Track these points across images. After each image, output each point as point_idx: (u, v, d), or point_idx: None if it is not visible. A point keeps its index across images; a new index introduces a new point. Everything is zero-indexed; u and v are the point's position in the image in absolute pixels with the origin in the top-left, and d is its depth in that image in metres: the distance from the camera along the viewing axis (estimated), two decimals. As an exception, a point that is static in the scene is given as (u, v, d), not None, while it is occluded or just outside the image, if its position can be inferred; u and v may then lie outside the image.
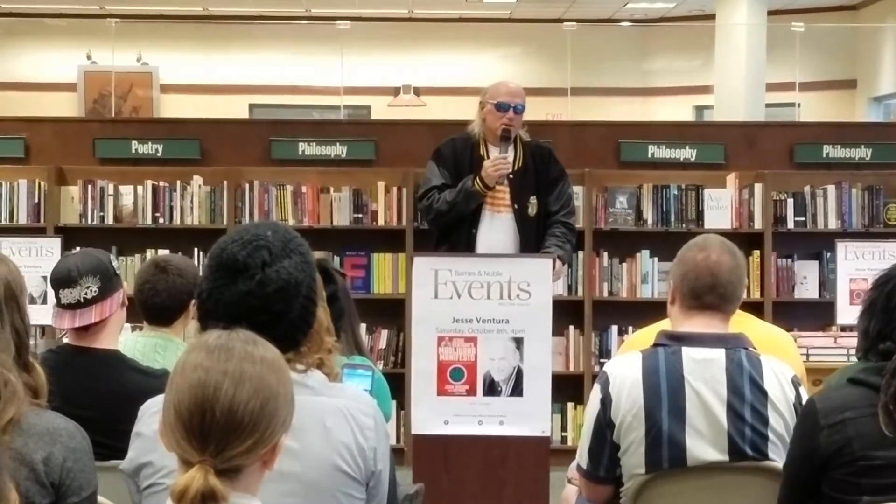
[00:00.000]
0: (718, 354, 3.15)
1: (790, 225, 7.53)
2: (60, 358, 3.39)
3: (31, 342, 2.64)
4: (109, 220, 7.50)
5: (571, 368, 7.47)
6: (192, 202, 7.52)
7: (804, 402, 3.02)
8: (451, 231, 5.97)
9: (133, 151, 7.81)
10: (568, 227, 6.04)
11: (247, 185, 7.53)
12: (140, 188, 7.51)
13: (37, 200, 7.52)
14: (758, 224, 7.50)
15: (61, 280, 3.46)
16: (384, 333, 7.46)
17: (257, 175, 7.59)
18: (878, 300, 2.90)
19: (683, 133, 8.28)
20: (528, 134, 6.16)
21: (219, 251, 2.37)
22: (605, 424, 3.17)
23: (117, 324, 3.55)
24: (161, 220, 7.51)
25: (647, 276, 7.50)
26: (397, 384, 6.19)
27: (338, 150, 7.83)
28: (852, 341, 6.05)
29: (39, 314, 4.85)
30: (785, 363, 3.25)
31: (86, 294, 3.42)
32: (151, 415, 2.31)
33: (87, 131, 8.05)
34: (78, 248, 4.35)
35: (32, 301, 5.52)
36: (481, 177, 5.85)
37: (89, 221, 7.48)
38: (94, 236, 7.15)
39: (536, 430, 4.23)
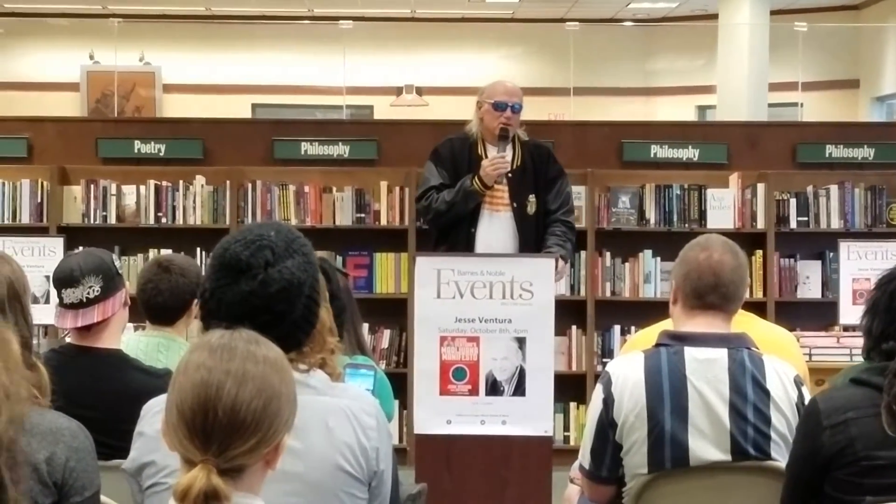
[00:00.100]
0: (721, 354, 3.15)
1: (793, 225, 7.53)
2: (63, 358, 3.39)
3: (34, 342, 2.64)
4: (112, 220, 7.50)
5: (574, 368, 7.47)
6: (194, 202, 7.52)
7: (807, 401, 3.02)
8: (449, 230, 5.97)
9: (136, 151, 7.82)
10: (568, 226, 6.04)
11: (249, 185, 7.53)
12: (143, 188, 7.51)
13: (39, 200, 7.52)
14: (760, 224, 7.50)
15: (64, 280, 3.46)
16: (386, 333, 7.46)
17: (260, 175, 7.59)
18: (881, 300, 2.90)
19: (686, 133, 8.28)
20: (528, 133, 6.17)
21: (222, 251, 2.37)
22: (607, 424, 3.17)
23: (120, 323, 3.55)
24: (164, 220, 7.52)
25: (649, 276, 7.50)
26: (400, 384, 6.20)
27: (340, 149, 7.83)
28: (855, 341, 6.09)
29: (42, 314, 4.86)
30: (787, 363, 3.25)
31: (88, 294, 3.42)
32: (154, 414, 2.31)
33: (90, 131, 8.05)
34: (80, 248, 4.36)
35: (35, 301, 5.53)
36: (480, 176, 5.85)
37: (92, 221, 7.49)
38: (97, 236, 7.15)
39: (539, 429, 4.23)
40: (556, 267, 5.32)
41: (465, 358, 4.21)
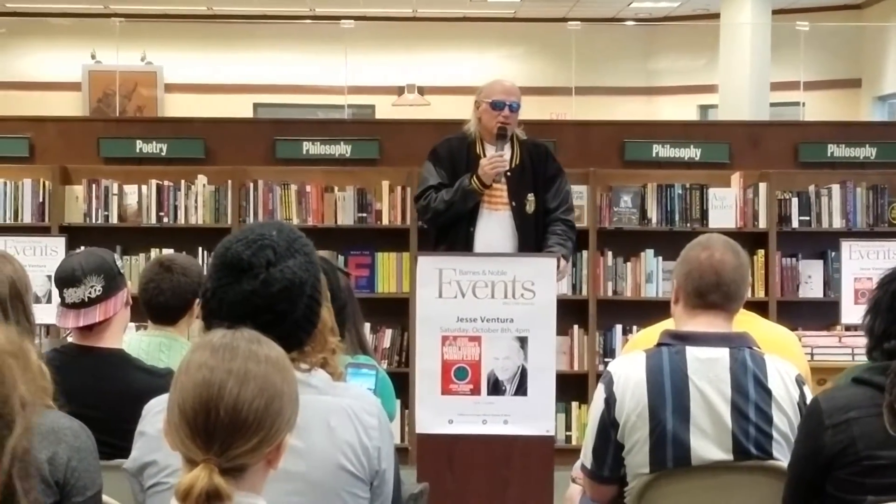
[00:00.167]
0: (722, 353, 3.15)
1: (794, 224, 7.53)
2: (65, 357, 3.39)
3: (36, 341, 2.65)
4: (114, 220, 7.50)
5: (576, 368, 7.47)
6: (196, 201, 7.52)
7: (808, 401, 3.02)
8: (448, 230, 5.97)
9: (137, 151, 7.82)
10: (568, 225, 6.04)
11: (251, 185, 7.53)
12: (144, 187, 7.51)
13: (41, 200, 7.52)
14: (762, 223, 7.50)
15: (65, 279, 3.46)
16: (388, 333, 7.46)
17: (261, 174, 7.59)
18: (883, 299, 2.90)
19: (688, 132, 8.28)
20: (530, 133, 6.17)
21: (223, 250, 2.37)
22: (609, 424, 3.17)
23: (121, 323, 3.55)
24: (165, 220, 7.52)
25: (651, 276, 7.50)
26: (401, 383, 6.19)
27: (342, 149, 7.83)
28: (857, 341, 6.10)
29: (44, 313, 4.85)
30: (789, 362, 3.25)
31: (90, 293, 3.42)
32: (155, 414, 2.31)
33: (92, 131, 8.05)
34: (82, 248, 4.36)
35: (37, 300, 5.52)
36: (478, 175, 5.85)
37: (94, 221, 7.49)
38: (99, 235, 7.16)
39: (541, 429, 4.23)
40: (558, 266, 5.32)
41: (466, 357, 4.21)
